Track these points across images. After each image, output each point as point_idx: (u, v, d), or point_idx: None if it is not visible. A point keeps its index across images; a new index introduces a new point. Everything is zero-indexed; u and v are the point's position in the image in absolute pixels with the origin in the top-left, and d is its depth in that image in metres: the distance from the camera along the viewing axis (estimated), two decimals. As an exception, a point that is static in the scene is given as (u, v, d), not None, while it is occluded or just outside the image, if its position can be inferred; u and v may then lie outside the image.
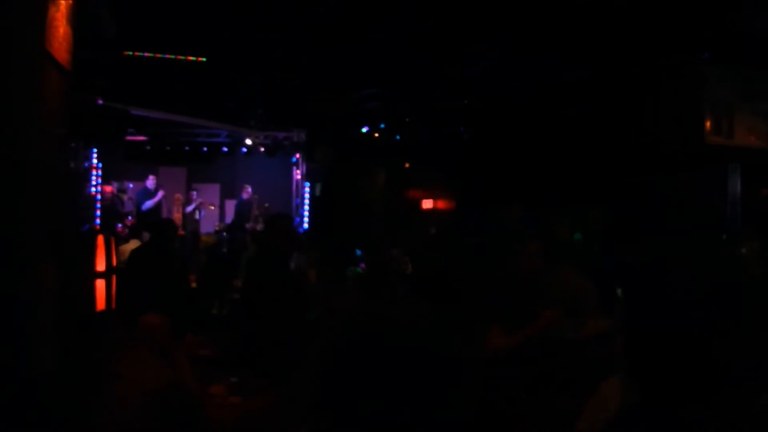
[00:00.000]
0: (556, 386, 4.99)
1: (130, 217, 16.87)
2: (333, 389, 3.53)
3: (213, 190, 20.41)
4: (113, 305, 7.83)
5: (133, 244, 10.98)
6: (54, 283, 4.95)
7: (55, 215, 5.02)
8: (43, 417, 4.55)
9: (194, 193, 18.67)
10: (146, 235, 12.73)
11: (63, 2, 5.02)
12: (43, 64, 4.63)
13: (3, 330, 4.18)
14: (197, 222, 18.30)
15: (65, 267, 5.28)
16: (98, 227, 15.37)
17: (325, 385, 3.63)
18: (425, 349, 3.46)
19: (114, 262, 8.42)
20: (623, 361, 3.04)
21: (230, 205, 19.97)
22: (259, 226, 17.22)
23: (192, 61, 13.79)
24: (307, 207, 19.06)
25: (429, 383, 2.99)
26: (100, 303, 7.65)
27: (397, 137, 19.73)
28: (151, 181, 17.12)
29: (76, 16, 5.47)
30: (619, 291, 6.33)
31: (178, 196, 18.26)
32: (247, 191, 18.58)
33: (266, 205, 18.53)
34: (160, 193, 16.99)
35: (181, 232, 15.83)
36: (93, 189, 16.10)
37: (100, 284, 7.77)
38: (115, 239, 9.76)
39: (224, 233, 17.55)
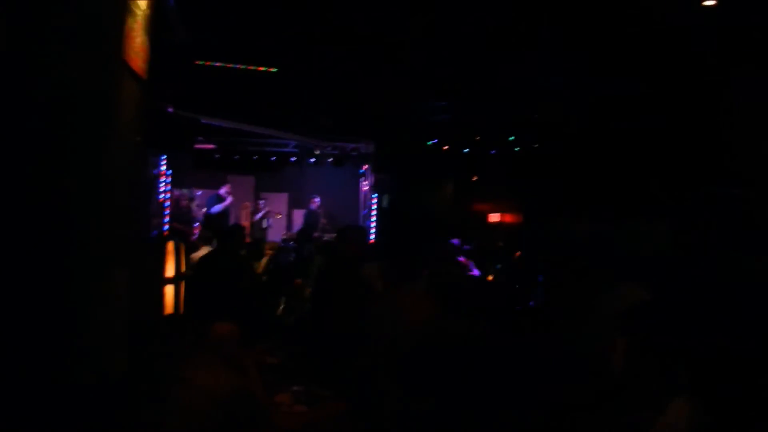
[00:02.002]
0: (619, 402, 4.93)
1: (197, 224, 17.02)
2: (402, 401, 3.51)
3: (281, 199, 20.55)
4: (181, 311, 7.90)
5: (204, 251, 11.03)
6: (126, 288, 5.02)
7: (129, 221, 5.10)
8: (115, 417, 4.63)
9: (262, 202, 18.82)
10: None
11: (140, 12, 5.10)
12: (121, 73, 4.71)
13: (79, 333, 4.25)
14: (264, 230, 18.42)
15: (136, 272, 5.36)
16: (166, 233, 15.54)
17: (394, 395, 3.61)
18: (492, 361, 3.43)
19: (183, 268, 8.50)
20: (691, 381, 2.99)
21: (298, 215, 20.06)
22: (327, 237, 17.25)
23: (263, 71, 13.89)
24: (374, 218, 19.01)
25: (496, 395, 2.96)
26: (168, 308, 7.73)
27: (466, 150, 19.65)
28: (224, 189, 17.24)
29: (152, 26, 5.55)
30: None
31: (247, 204, 18.40)
32: (315, 202, 18.64)
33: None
34: (229, 199, 17.10)
35: (248, 239, 15.89)
36: (162, 195, 16.28)
37: (169, 290, 7.85)
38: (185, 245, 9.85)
39: (291, 242, 17.60)
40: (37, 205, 4.12)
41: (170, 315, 7.71)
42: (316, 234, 17.93)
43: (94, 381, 4.37)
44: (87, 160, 4.23)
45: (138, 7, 5.06)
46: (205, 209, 17.24)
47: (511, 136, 18.84)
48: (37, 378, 4.11)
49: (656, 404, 3.34)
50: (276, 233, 18.92)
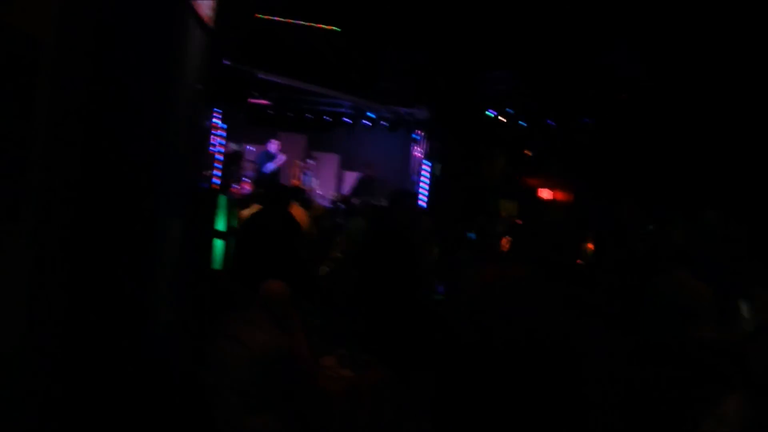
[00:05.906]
0: (666, 393, 4.84)
1: (245, 179, 17.02)
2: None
3: (332, 160, 20.48)
4: (230, 266, 7.88)
5: (254, 208, 10.97)
6: (178, 239, 4.96)
7: (186, 173, 5.04)
8: (165, 364, 4.60)
9: (311, 161, 18.71)
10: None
11: (209, -44, 5.00)
12: (186, 16, 4.61)
13: (133, 282, 4.20)
14: (312, 191, 18.35)
15: (188, 224, 5.30)
16: (216, 186, 15.54)
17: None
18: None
19: (233, 224, 8.47)
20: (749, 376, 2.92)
21: (348, 177, 19.96)
22: (384, 202, 17.04)
23: (324, 29, 13.74)
24: (425, 186, 18.76)
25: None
26: (218, 263, 7.72)
27: (522, 123, 19.37)
28: (273, 146, 17.19)
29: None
30: (741, 303, 6.01)
31: (297, 162, 18.31)
32: (372, 167, 18.40)
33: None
34: (282, 157, 17.06)
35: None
36: (213, 148, 16.25)
37: (219, 244, 7.83)
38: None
39: (341, 204, 17.47)
40: (104, 150, 4.07)
41: (219, 270, 7.70)
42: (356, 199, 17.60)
43: (144, 329, 4.34)
44: (151, 106, 4.16)
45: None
46: (255, 166, 17.21)
47: (569, 113, 18.53)
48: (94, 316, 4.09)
49: (708, 398, 3.33)
50: (324, 194, 18.84)
